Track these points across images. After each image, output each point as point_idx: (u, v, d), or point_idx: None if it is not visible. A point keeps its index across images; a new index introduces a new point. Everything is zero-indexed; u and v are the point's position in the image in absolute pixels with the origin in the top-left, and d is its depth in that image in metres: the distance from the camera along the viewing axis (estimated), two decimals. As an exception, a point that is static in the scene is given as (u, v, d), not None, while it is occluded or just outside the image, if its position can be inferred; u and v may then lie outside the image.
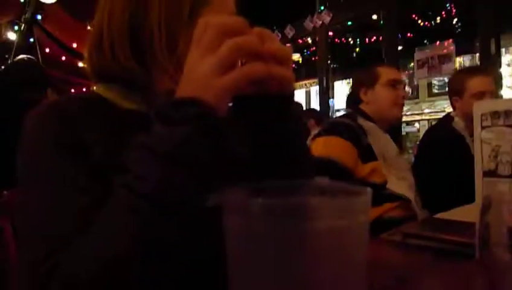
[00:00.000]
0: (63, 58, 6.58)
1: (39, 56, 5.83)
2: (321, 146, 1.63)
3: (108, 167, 0.55)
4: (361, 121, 1.72)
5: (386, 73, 1.79)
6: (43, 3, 5.52)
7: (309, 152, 0.74)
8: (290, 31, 5.56)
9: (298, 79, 8.62)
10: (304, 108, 5.68)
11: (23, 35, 6.56)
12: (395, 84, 1.76)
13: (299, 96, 8.84)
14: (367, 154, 1.61)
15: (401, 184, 1.59)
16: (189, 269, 0.57)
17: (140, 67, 0.62)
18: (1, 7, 5.81)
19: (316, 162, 1.56)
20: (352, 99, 1.86)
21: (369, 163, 1.59)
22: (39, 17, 6.39)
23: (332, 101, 5.42)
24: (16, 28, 6.55)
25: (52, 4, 5.49)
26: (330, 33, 5.31)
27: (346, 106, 1.92)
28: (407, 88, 1.74)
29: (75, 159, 0.55)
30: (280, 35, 5.66)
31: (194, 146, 0.46)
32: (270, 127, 0.61)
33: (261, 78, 0.48)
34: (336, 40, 6.25)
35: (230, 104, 0.53)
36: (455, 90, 2.13)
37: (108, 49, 0.63)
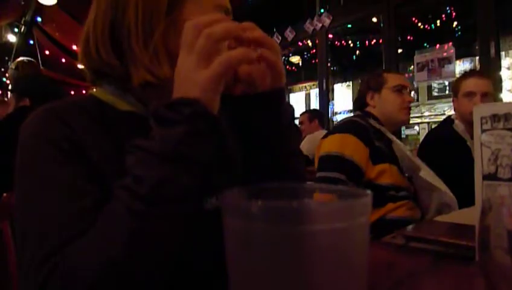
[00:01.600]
0: (63, 60, 6.60)
1: (39, 58, 5.84)
2: (335, 143, 1.63)
3: (106, 169, 0.56)
4: (372, 122, 1.74)
5: (392, 78, 1.82)
6: (43, 5, 5.52)
7: (301, 154, 0.74)
8: (290, 34, 5.56)
9: (298, 82, 8.63)
10: (305, 109, 5.68)
11: (23, 37, 6.58)
12: (401, 89, 1.79)
13: (299, 98, 8.84)
14: (377, 155, 1.62)
15: (435, 177, 1.59)
16: (188, 270, 0.57)
17: (120, 62, 0.63)
18: (1, 9, 5.82)
19: (330, 158, 1.58)
20: (359, 103, 1.89)
21: (379, 165, 1.60)
22: (39, 19, 6.41)
23: (332, 104, 5.42)
24: (16, 30, 6.57)
25: (52, 6, 5.49)
26: (330, 36, 5.31)
27: (354, 109, 1.94)
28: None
29: (73, 162, 0.55)
30: (280, 37, 5.66)
31: (190, 145, 0.46)
32: (261, 125, 0.61)
33: (243, 62, 0.49)
34: (336, 42, 6.26)
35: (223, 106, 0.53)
36: (453, 91, 2.20)
37: (94, 49, 0.64)
